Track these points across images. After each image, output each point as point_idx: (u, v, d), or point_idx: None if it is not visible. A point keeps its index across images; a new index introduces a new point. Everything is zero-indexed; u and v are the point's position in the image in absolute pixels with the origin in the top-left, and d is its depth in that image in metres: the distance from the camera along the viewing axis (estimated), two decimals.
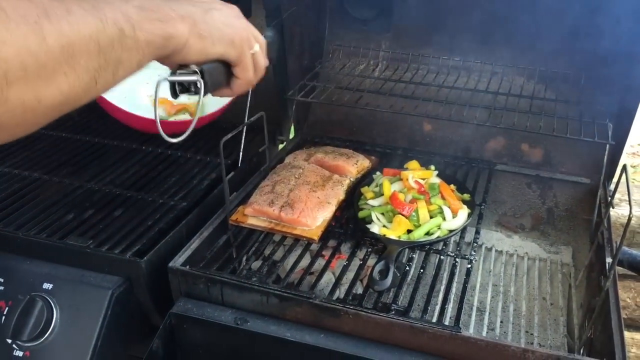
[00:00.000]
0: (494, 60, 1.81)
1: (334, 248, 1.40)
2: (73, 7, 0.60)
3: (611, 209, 1.36)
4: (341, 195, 1.46)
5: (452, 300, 1.24)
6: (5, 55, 0.51)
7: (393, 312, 1.14)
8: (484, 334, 1.39)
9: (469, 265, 1.29)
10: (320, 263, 1.38)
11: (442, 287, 1.25)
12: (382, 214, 1.39)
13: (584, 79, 1.67)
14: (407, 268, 1.29)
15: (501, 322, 1.43)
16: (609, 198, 1.38)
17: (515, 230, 1.77)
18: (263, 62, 1.04)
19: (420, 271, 1.28)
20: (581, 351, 1.30)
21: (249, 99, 1.64)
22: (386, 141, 1.92)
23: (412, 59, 1.88)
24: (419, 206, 1.37)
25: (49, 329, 1.21)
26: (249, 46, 0.96)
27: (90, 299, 1.24)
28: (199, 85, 0.90)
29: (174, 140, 0.98)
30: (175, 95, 0.92)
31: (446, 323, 1.13)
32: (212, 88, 0.95)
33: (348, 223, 1.47)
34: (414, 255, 1.35)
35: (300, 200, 1.40)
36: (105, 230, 1.37)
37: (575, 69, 1.68)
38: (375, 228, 1.36)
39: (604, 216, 1.41)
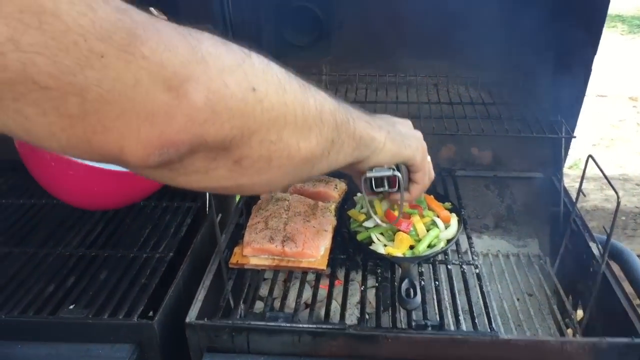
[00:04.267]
0: (434, 73, 1.90)
1: (331, 275, 1.39)
2: (314, 88, 0.75)
3: (582, 196, 1.46)
4: (334, 221, 1.46)
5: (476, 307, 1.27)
6: (285, 100, 0.65)
7: (430, 329, 1.16)
8: None
9: (477, 271, 1.34)
10: (322, 293, 1.37)
11: (463, 296, 1.28)
12: (381, 233, 1.41)
13: (522, 82, 1.80)
14: (422, 282, 1.31)
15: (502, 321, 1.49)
16: (579, 188, 1.48)
17: (480, 230, 1.87)
18: (432, 172, 1.17)
19: (435, 283, 1.31)
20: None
21: None
22: None
23: (357, 79, 1.92)
24: (414, 221, 1.40)
25: None
26: (425, 154, 1.10)
27: None
28: (399, 179, 1.03)
29: None
30: (371, 189, 1.08)
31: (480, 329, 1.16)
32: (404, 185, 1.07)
33: (345, 248, 1.46)
34: (421, 270, 1.37)
35: (299, 232, 1.37)
36: (97, 296, 1.27)
37: (512, 74, 1.81)
38: (379, 248, 1.37)
39: (575, 204, 1.52)
